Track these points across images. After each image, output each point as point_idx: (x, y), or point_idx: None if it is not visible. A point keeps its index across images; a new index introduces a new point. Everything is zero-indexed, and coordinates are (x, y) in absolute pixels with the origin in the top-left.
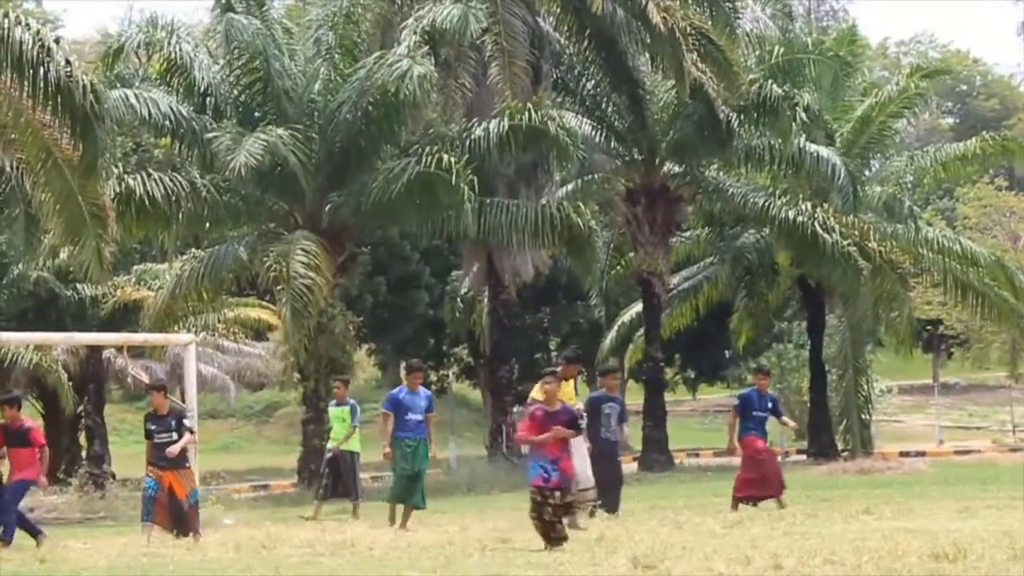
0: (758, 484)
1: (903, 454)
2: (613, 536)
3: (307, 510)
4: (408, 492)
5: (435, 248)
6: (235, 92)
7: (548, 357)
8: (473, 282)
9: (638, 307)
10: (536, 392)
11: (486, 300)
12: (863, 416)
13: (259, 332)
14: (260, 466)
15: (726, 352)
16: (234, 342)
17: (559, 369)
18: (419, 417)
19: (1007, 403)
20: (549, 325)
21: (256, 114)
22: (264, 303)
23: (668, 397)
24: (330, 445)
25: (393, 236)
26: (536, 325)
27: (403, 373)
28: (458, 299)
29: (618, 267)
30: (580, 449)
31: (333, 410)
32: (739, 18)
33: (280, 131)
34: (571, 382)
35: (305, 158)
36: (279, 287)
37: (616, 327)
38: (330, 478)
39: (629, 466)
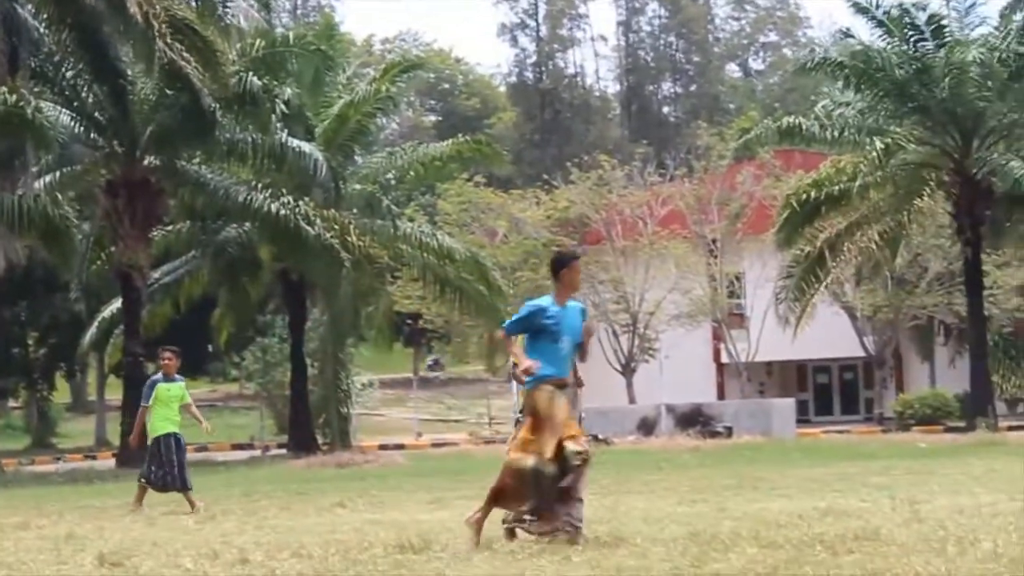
0: None
1: (382, 447)
2: (83, 533)
3: None
4: None
5: None
6: None
7: (26, 351)
8: None
9: (120, 301)
10: None
11: None
12: (342, 410)
13: None
14: None
15: (209, 347)
16: None
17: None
18: None
19: (485, 396)
20: (27, 318)
21: None
22: None
23: None
24: (167, 429)
25: None
26: (13, 318)
27: None
28: None
29: (99, 260)
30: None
31: (163, 387)
32: (227, 9)
33: None
34: None
35: None
36: None
37: (97, 322)
38: (167, 466)
39: (108, 462)
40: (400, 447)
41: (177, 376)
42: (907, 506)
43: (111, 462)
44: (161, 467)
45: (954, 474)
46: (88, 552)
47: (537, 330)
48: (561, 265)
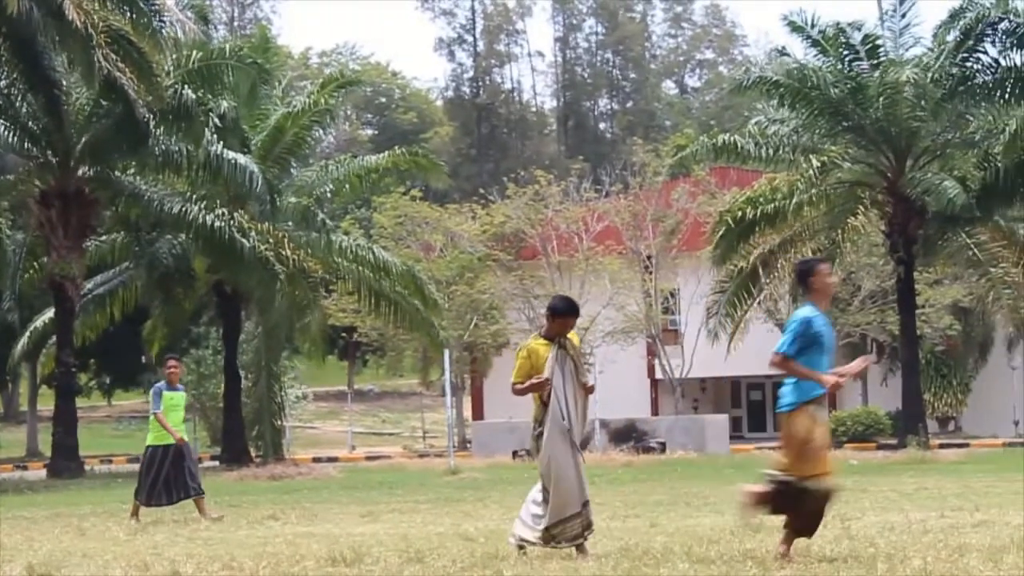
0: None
1: (315, 460)
2: (12, 544)
3: None
4: None
5: None
6: None
7: None
8: None
9: (53, 312)
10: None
11: None
12: (276, 422)
13: None
14: None
15: (142, 358)
16: None
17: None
18: None
19: (419, 409)
20: None
21: None
22: None
23: (83, 403)
24: (171, 440)
25: None
26: None
27: None
28: None
29: (32, 271)
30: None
31: (168, 395)
32: (163, 22)
33: None
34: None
35: None
36: None
37: (29, 332)
38: (172, 475)
39: (38, 473)
40: (334, 460)
41: (179, 385)
42: (838, 522)
43: (42, 473)
44: (156, 482)
45: (885, 491)
46: (17, 563)
47: (806, 344)
48: (808, 273)
